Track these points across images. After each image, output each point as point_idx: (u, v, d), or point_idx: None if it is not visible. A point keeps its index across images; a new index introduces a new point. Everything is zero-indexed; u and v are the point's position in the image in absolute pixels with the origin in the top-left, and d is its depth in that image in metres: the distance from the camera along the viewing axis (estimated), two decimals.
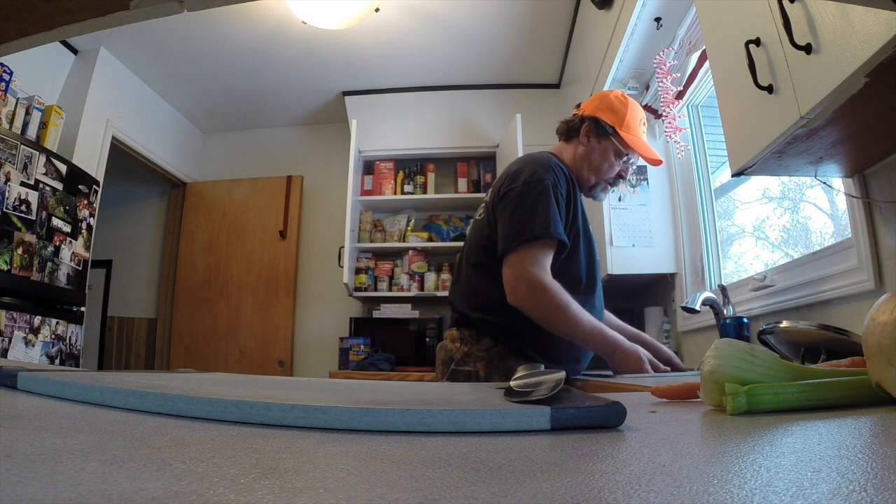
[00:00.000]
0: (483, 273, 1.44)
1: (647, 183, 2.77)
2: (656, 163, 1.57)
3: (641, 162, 1.60)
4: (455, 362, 1.40)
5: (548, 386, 0.43)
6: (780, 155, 1.21)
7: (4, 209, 2.39)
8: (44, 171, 2.62)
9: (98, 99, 3.26)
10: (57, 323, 2.65)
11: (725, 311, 1.82)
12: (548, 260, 1.33)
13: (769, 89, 1.12)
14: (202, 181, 4.33)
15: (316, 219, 4.16)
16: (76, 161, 2.96)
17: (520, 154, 3.10)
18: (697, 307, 1.72)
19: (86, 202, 2.92)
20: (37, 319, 2.53)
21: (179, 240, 4.21)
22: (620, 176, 1.54)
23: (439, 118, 3.78)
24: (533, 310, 1.32)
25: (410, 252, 3.73)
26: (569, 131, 1.56)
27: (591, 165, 1.51)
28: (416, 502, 0.18)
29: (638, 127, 1.53)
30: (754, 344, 0.60)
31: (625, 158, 1.52)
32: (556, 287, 1.32)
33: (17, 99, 2.75)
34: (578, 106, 1.60)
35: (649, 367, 1.35)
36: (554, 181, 1.39)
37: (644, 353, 1.37)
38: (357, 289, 3.67)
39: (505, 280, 1.34)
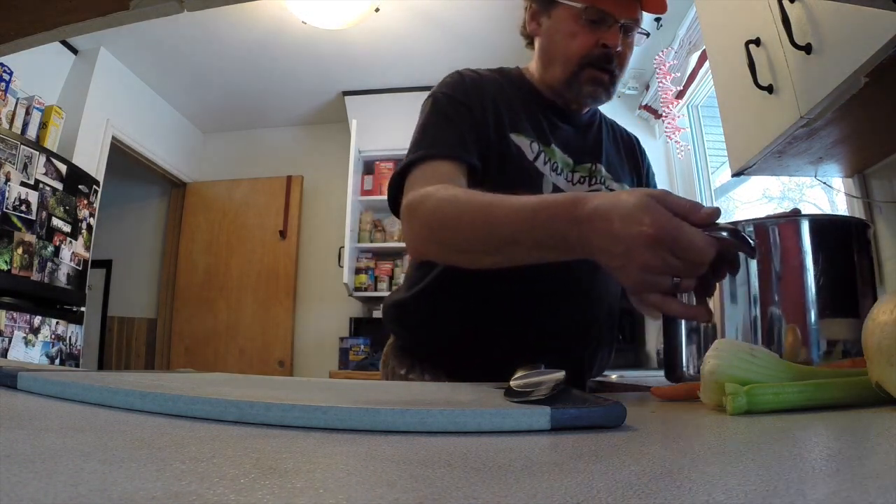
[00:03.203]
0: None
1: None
2: (652, 2, 0.95)
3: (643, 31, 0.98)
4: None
5: (548, 386, 0.43)
6: (780, 155, 1.21)
7: (4, 209, 2.39)
8: (44, 171, 2.62)
9: (98, 99, 3.26)
10: (57, 323, 2.65)
11: None
12: (434, 176, 0.85)
13: (769, 89, 1.12)
14: (202, 181, 4.33)
15: (316, 219, 4.16)
16: (76, 161, 2.96)
17: None
18: None
19: (86, 202, 2.92)
20: (37, 319, 2.53)
21: (179, 240, 4.21)
22: (605, 46, 0.93)
23: None
24: (423, 239, 0.82)
25: None
26: (526, 38, 1.11)
27: (553, 54, 1.00)
28: (416, 502, 0.18)
29: None
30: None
31: (590, 17, 0.93)
32: (428, 189, 0.80)
33: (17, 99, 2.75)
34: None
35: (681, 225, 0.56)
36: (437, 90, 0.98)
37: (645, 198, 0.58)
38: (357, 289, 3.68)
39: None
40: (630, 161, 1.12)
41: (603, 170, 1.03)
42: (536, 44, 1.04)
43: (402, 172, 0.88)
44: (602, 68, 0.96)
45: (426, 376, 0.92)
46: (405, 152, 0.92)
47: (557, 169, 0.97)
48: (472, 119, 0.91)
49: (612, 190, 1.00)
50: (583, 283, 0.89)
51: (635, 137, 1.20)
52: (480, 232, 0.73)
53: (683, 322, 0.80)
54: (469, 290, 0.88)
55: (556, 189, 0.93)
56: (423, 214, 0.79)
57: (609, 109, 3.17)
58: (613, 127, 1.14)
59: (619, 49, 0.94)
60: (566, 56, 0.96)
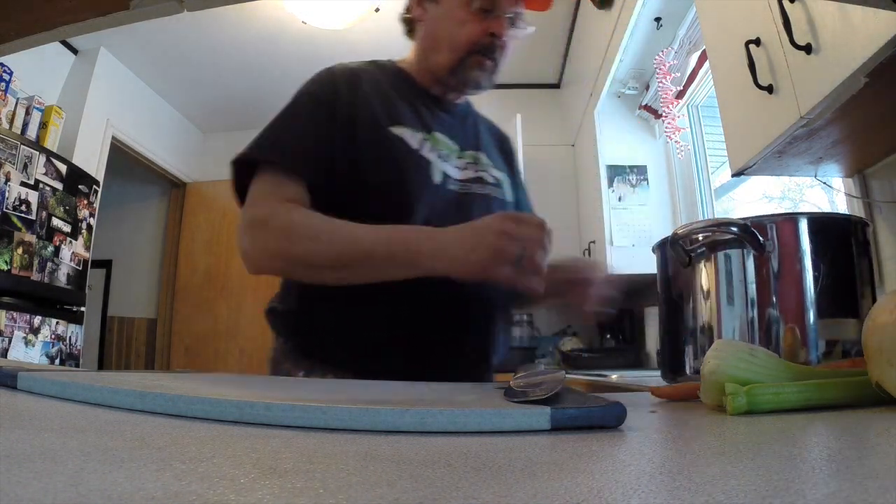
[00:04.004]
0: None
1: (648, 183, 2.77)
2: None
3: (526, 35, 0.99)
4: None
5: (548, 386, 0.43)
6: (780, 155, 1.21)
7: (4, 209, 2.39)
8: (44, 171, 2.62)
9: (98, 99, 3.26)
10: (57, 323, 2.65)
11: None
12: (279, 192, 0.85)
13: (769, 89, 1.12)
14: (202, 181, 4.33)
15: None
16: (76, 161, 2.96)
17: (520, 154, 3.11)
18: None
19: (86, 202, 2.92)
20: (37, 319, 2.53)
21: (179, 240, 4.22)
22: (493, 35, 0.94)
23: None
24: (265, 260, 0.85)
25: None
26: (406, 25, 1.07)
27: (439, 40, 0.98)
28: (416, 502, 0.18)
29: None
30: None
31: (480, 6, 0.94)
32: (276, 209, 0.82)
33: (17, 99, 2.75)
34: None
35: (506, 242, 0.73)
36: (303, 89, 0.96)
37: (494, 224, 0.75)
38: None
39: None
40: (504, 155, 1.12)
41: (484, 158, 1.02)
42: (420, 30, 1.02)
43: (247, 162, 0.87)
44: (488, 56, 0.96)
45: (329, 377, 0.87)
46: None
47: (444, 156, 0.95)
48: (332, 120, 0.89)
49: (495, 178, 1.01)
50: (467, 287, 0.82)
51: (506, 134, 1.20)
52: (337, 246, 0.79)
53: (682, 322, 0.80)
54: (371, 298, 0.85)
55: (446, 176, 0.93)
56: (273, 230, 0.82)
57: (609, 109, 3.16)
58: (486, 120, 1.14)
59: (504, 38, 0.95)
60: (455, 42, 0.96)
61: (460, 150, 0.99)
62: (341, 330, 0.88)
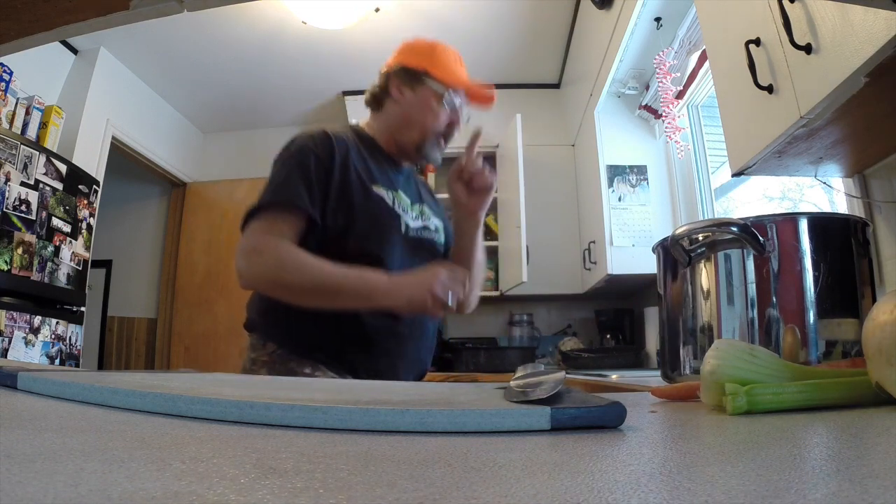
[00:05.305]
0: None
1: (647, 183, 2.77)
2: (486, 99, 1.29)
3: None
4: (245, 370, 1.21)
5: (548, 386, 0.43)
6: (780, 155, 1.21)
7: (4, 209, 2.39)
8: (44, 171, 2.62)
9: (98, 99, 3.25)
10: (57, 323, 2.65)
11: None
12: (274, 228, 1.09)
13: (769, 89, 1.13)
14: (202, 181, 4.33)
15: None
16: (76, 161, 2.96)
17: (520, 154, 3.11)
18: None
19: (86, 202, 2.92)
20: (37, 319, 2.53)
21: (179, 240, 4.21)
22: (451, 124, 1.24)
23: None
24: (257, 280, 1.10)
25: None
26: (376, 98, 1.29)
27: (411, 122, 1.23)
28: (416, 502, 0.18)
29: (454, 65, 1.28)
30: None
31: (448, 101, 1.23)
32: (275, 244, 1.06)
33: (17, 99, 2.75)
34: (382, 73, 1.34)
35: (440, 287, 1.03)
36: (305, 147, 1.14)
37: (434, 272, 1.05)
38: None
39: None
40: (438, 204, 1.38)
41: (427, 209, 1.28)
42: (391, 107, 1.27)
43: (258, 209, 1.11)
44: (445, 139, 1.26)
45: (330, 374, 1.12)
46: None
47: (405, 209, 1.21)
48: (329, 176, 1.12)
49: (435, 225, 1.29)
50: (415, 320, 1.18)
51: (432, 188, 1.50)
52: (316, 280, 1.04)
53: (681, 323, 0.80)
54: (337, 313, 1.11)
55: (407, 226, 1.20)
56: (268, 258, 1.06)
57: (609, 109, 3.16)
58: (419, 177, 1.41)
59: (458, 127, 1.27)
60: (424, 127, 1.23)
61: (411, 204, 1.24)
62: (318, 332, 1.11)
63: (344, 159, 1.14)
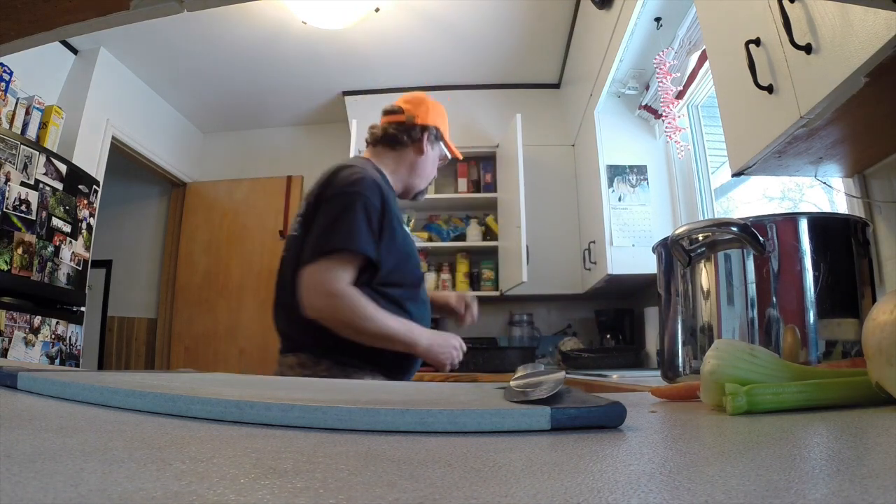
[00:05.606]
0: None
1: (647, 183, 2.77)
2: (457, 157, 1.68)
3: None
4: None
5: (548, 386, 0.43)
6: (780, 155, 1.21)
7: (4, 209, 2.39)
8: (44, 171, 2.62)
9: (98, 99, 3.25)
10: (57, 323, 2.65)
11: None
12: (346, 272, 1.29)
13: (769, 89, 1.12)
14: (202, 181, 4.33)
15: None
16: (76, 161, 2.96)
17: (520, 154, 3.11)
18: None
19: (86, 202, 2.92)
20: (37, 319, 2.53)
21: (179, 240, 4.21)
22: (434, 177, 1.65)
23: None
24: (330, 319, 1.29)
25: None
26: (396, 139, 1.53)
27: (423, 173, 1.55)
28: (416, 502, 0.18)
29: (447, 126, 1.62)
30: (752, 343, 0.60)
31: (444, 161, 1.62)
32: (351, 292, 1.28)
33: (17, 99, 2.74)
34: (398, 111, 1.58)
35: (456, 355, 1.42)
36: (367, 194, 1.33)
37: (453, 340, 1.43)
38: None
39: (299, 292, 1.29)
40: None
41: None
42: (414, 156, 1.54)
43: (326, 252, 1.30)
44: (428, 186, 1.64)
45: (377, 377, 1.35)
46: None
47: (414, 241, 1.53)
48: (382, 219, 1.34)
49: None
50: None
51: None
52: (380, 329, 1.30)
53: (680, 323, 0.80)
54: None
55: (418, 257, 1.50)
56: (346, 304, 1.28)
57: (609, 109, 3.15)
58: None
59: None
60: (428, 178, 1.59)
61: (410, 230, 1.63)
62: (373, 349, 1.34)
63: (389, 206, 1.37)
